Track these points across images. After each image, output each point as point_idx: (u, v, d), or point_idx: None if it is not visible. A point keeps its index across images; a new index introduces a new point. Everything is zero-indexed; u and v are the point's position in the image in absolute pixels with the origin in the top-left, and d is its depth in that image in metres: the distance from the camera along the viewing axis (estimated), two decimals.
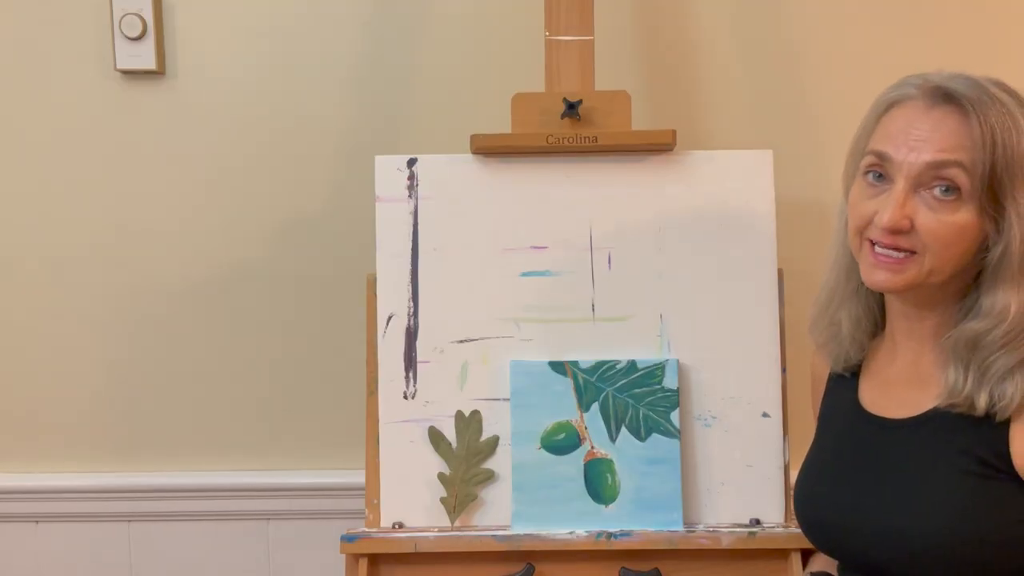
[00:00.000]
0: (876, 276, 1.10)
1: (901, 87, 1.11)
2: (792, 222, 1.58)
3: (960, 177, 1.05)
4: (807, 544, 1.37)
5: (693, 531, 1.41)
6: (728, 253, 1.46)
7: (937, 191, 1.06)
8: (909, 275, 1.08)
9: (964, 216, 1.06)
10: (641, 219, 1.47)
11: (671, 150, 1.47)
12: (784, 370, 1.46)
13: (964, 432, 1.09)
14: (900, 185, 1.06)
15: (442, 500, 1.44)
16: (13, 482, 1.74)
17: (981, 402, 1.07)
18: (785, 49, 1.67)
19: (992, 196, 1.05)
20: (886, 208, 1.07)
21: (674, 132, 1.45)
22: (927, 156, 1.05)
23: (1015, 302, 1.06)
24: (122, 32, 1.66)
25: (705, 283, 1.46)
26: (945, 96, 1.07)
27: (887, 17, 1.66)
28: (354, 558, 1.42)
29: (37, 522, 1.76)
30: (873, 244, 1.09)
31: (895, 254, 1.08)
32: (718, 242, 1.46)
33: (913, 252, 1.07)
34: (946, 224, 1.06)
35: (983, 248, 1.08)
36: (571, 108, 1.45)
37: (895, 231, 1.06)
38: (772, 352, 1.45)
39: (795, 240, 1.57)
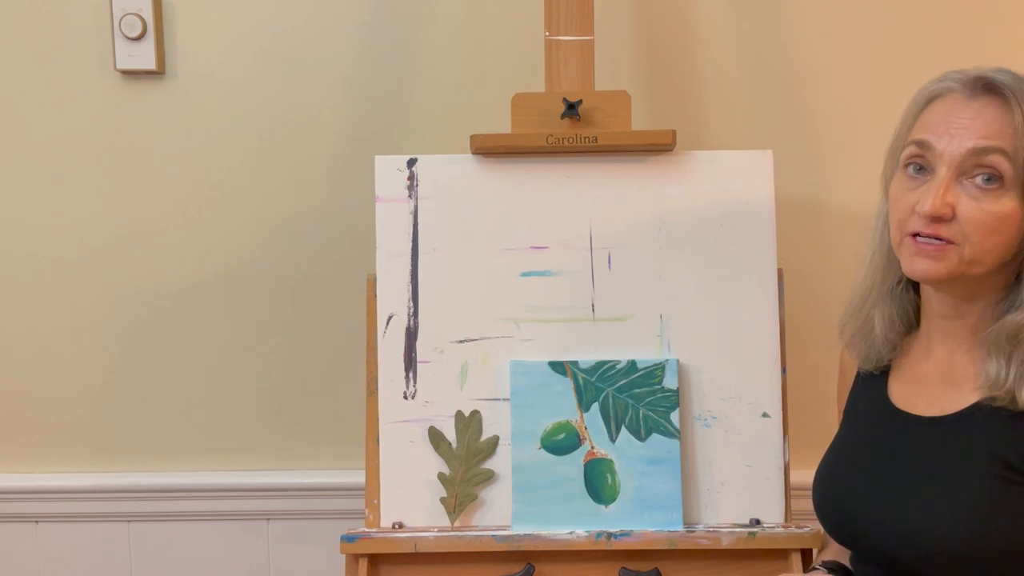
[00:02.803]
0: (917, 265, 1.09)
1: (941, 81, 1.12)
2: (792, 222, 1.59)
3: (1002, 164, 1.05)
4: (807, 544, 1.38)
5: (693, 531, 1.41)
6: (728, 253, 1.46)
7: (979, 179, 1.06)
8: (950, 263, 1.07)
9: (1007, 205, 1.06)
10: (641, 219, 1.47)
11: (671, 150, 1.47)
12: (784, 370, 1.46)
13: (993, 434, 1.08)
14: (942, 173, 1.06)
15: (442, 500, 1.44)
16: (13, 482, 1.74)
17: (1023, 395, 1.06)
18: (785, 49, 1.67)
19: None
20: (927, 196, 1.06)
21: (674, 132, 1.45)
22: (969, 143, 1.06)
23: None
24: (122, 32, 1.66)
25: (705, 283, 1.46)
26: (986, 86, 1.08)
27: (887, 17, 1.66)
28: (354, 558, 1.42)
29: (37, 522, 1.76)
30: (914, 236, 1.09)
31: (936, 242, 1.07)
32: (718, 242, 1.46)
33: (953, 242, 1.07)
34: (988, 213, 1.05)
35: None
36: (571, 108, 1.45)
37: (937, 219, 1.06)
38: (772, 352, 1.45)
39: (795, 240, 1.57)
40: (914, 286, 1.21)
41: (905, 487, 1.13)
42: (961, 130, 1.06)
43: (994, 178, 1.05)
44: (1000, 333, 1.09)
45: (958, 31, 1.65)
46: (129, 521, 1.75)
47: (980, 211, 1.05)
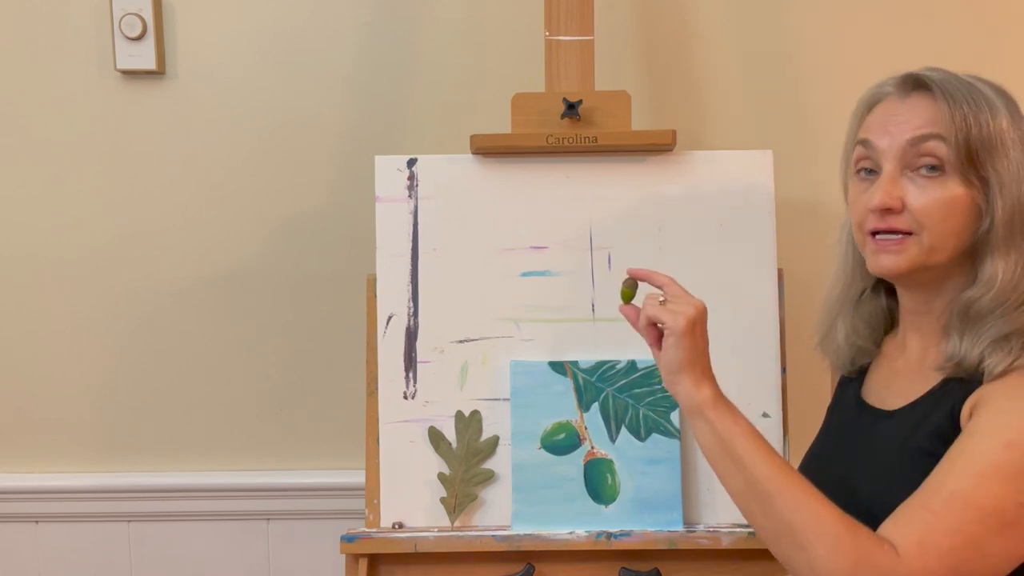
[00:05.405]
0: (880, 261, 1.12)
1: (878, 87, 1.17)
2: (792, 222, 1.59)
3: (940, 149, 1.08)
4: None
5: (693, 531, 1.41)
6: (728, 253, 1.46)
7: (923, 170, 1.09)
8: (911, 254, 1.10)
9: (952, 190, 1.09)
10: (641, 219, 1.47)
11: (671, 150, 1.47)
12: (784, 370, 1.46)
13: (942, 416, 1.10)
14: (887, 167, 1.11)
15: (442, 500, 1.44)
16: (13, 482, 1.74)
17: (974, 358, 1.08)
18: (785, 49, 1.67)
19: (975, 169, 1.08)
20: (875, 191, 1.10)
21: (674, 132, 1.45)
22: (907, 135, 1.10)
23: (1002, 269, 1.09)
24: (122, 32, 1.66)
25: (705, 283, 1.46)
26: (915, 83, 1.12)
27: (887, 17, 1.66)
28: (354, 558, 1.42)
29: (37, 522, 1.76)
30: (874, 235, 1.12)
31: (894, 236, 1.11)
32: (718, 242, 1.46)
33: (910, 233, 1.10)
34: (937, 199, 1.09)
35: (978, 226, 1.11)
36: (571, 108, 1.45)
37: (886, 211, 1.09)
38: (772, 352, 1.45)
39: (795, 240, 1.57)
40: (886, 289, 1.23)
41: (861, 479, 1.14)
42: (898, 126, 1.11)
43: (936, 167, 1.09)
44: (953, 312, 1.12)
45: (958, 31, 1.65)
46: (129, 521, 1.75)
47: (929, 198, 1.09)
